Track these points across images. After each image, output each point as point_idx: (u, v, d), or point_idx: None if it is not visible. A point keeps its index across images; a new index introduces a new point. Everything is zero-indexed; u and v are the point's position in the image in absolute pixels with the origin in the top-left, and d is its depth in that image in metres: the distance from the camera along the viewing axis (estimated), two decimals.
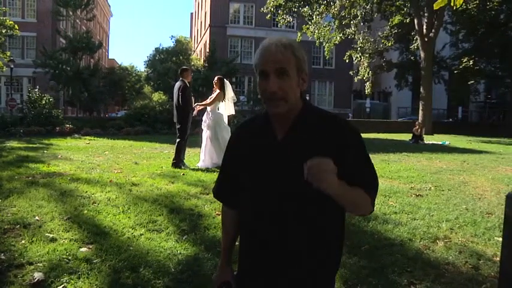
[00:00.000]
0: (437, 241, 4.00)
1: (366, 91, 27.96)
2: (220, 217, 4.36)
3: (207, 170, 7.39)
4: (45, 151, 10.13)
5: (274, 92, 1.34)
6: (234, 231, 1.67)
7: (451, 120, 32.91)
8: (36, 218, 4.15)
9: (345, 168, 1.29)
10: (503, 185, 6.79)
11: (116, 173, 7.03)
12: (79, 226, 3.94)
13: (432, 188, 6.41)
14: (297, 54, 1.38)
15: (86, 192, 5.35)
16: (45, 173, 6.70)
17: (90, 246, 3.49)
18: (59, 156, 8.99)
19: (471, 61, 24.76)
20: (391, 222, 4.47)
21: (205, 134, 8.03)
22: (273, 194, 1.40)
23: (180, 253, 3.44)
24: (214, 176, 6.79)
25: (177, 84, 7.97)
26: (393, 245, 3.83)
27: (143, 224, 4.10)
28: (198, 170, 7.53)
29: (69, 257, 3.22)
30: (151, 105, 20.88)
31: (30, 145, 11.70)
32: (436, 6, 3.86)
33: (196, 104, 8.24)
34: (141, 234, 3.81)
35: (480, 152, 12.72)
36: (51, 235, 3.67)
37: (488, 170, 8.53)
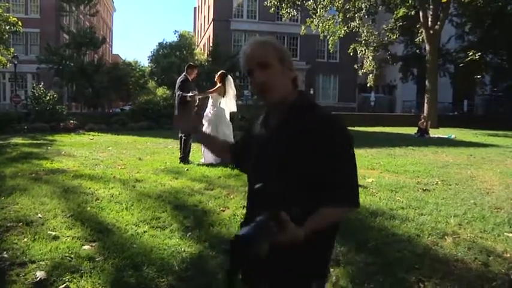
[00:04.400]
0: (446, 237, 3.92)
1: (368, 84, 27.72)
2: (224, 213, 4.32)
3: (211, 165, 7.33)
4: (49, 147, 10.12)
5: (261, 82, 1.44)
6: (219, 146, 1.95)
7: (456, 113, 32.58)
8: (39, 215, 4.11)
9: (317, 166, 1.36)
10: (511, 179, 6.69)
11: (119, 169, 6.99)
12: (82, 223, 3.90)
13: (439, 182, 6.32)
14: (275, 46, 1.48)
15: (89, 188, 5.31)
16: (49, 170, 6.67)
17: (93, 244, 3.46)
18: (63, 153, 8.97)
19: (477, 54, 24.43)
20: (398, 217, 4.40)
21: (205, 128, 7.94)
22: (258, 179, 1.42)
23: (184, 250, 3.39)
24: (219, 171, 6.75)
25: (179, 78, 7.97)
26: (401, 241, 3.76)
27: (147, 220, 4.06)
28: (202, 165, 7.48)
29: (72, 255, 3.18)
30: (155, 100, 20.83)
31: (34, 141, 11.70)
32: None
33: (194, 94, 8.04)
34: (144, 232, 3.77)
35: (487, 145, 12.58)
36: (53, 233, 3.64)
37: (496, 163, 8.42)
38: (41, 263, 3.03)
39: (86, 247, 3.38)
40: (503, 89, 32.00)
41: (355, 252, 3.39)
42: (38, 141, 11.69)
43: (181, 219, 4.15)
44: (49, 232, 3.65)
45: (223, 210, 4.49)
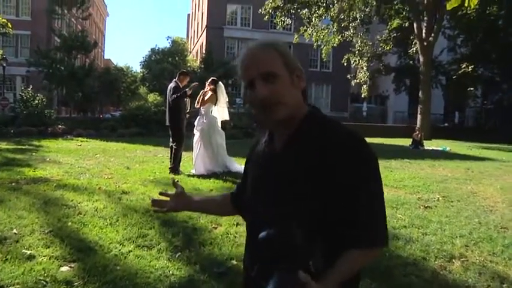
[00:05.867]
0: (453, 260, 3.67)
1: (363, 94, 27.68)
2: (216, 231, 4.01)
3: (202, 177, 7.03)
4: (34, 153, 9.72)
5: (265, 97, 1.13)
6: (217, 206, 1.62)
7: (446, 125, 32.71)
8: (14, 231, 3.76)
9: (336, 197, 1.10)
10: None
11: (105, 178, 6.64)
12: (61, 241, 3.57)
13: (440, 198, 6.09)
14: (280, 50, 1.19)
15: (72, 201, 4.96)
16: (30, 178, 6.30)
17: (72, 265, 3.13)
18: (48, 159, 8.59)
19: (470, 67, 24.56)
20: (401, 238, 4.13)
21: (197, 138, 7.65)
22: (262, 210, 1.21)
23: (173, 274, 3.09)
24: (210, 183, 6.45)
25: (170, 85, 7.69)
26: (407, 265, 3.50)
27: (132, 238, 3.73)
28: (193, 176, 7.18)
29: (47, 279, 2.86)
30: (146, 106, 20.49)
31: (19, 146, 11.29)
32: (449, 7, 3.59)
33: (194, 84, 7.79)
34: (129, 251, 3.45)
35: (482, 159, 12.44)
36: (28, 251, 3.30)
37: (495, 178, 8.24)
38: None
39: (64, 269, 3.06)
40: (494, 102, 32.23)
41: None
42: (23, 147, 11.28)
43: (169, 237, 3.84)
44: (24, 251, 3.31)
45: (215, 228, 4.18)
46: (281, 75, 1.15)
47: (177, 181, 1.60)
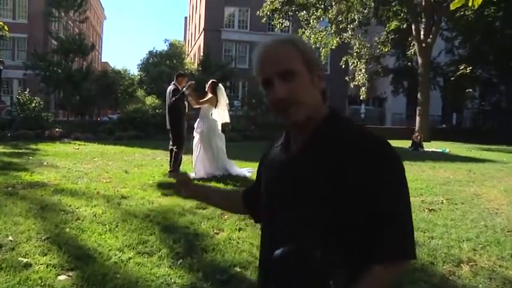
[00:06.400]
0: (462, 265, 3.58)
1: (361, 96, 27.64)
2: (219, 236, 3.91)
3: (202, 180, 6.92)
4: (31, 157, 9.60)
5: (283, 98, 1.06)
6: (229, 202, 1.54)
7: (444, 126, 32.71)
8: (10, 238, 3.65)
9: (358, 206, 1.01)
10: None
11: (104, 182, 6.53)
12: (59, 248, 3.46)
13: (444, 201, 6.00)
14: (300, 47, 1.11)
15: (70, 206, 4.84)
16: (27, 183, 6.17)
17: (70, 274, 3.02)
18: (45, 163, 8.46)
19: (468, 68, 24.57)
20: None
21: (197, 141, 7.55)
22: (278, 214, 1.14)
23: (175, 282, 2.99)
24: None
25: (169, 88, 7.61)
26: (415, 270, 3.39)
27: (132, 245, 3.63)
28: (193, 180, 7.06)
29: None
30: (144, 109, 20.38)
31: (16, 150, 11.16)
32: (452, 7, 3.54)
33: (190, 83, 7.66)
34: (129, 258, 3.34)
35: (483, 160, 12.37)
36: (25, 259, 3.19)
37: (497, 180, 8.16)
38: None
39: (61, 277, 2.95)
40: (491, 104, 32.28)
41: None
42: (20, 150, 11.15)
43: (170, 243, 3.73)
44: (20, 259, 3.19)
45: (217, 233, 4.08)
46: (300, 73, 1.08)
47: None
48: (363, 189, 1.01)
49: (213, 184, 6.52)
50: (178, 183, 1.49)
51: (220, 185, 6.48)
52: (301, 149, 1.12)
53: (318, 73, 1.12)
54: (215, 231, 4.10)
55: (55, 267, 3.09)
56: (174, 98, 7.32)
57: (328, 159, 1.06)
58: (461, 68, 24.91)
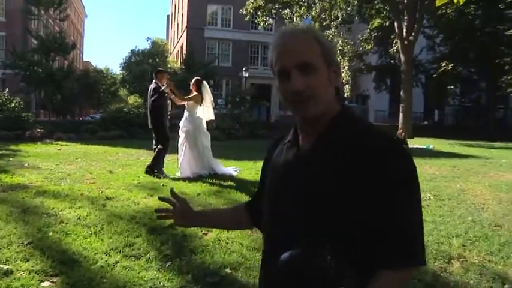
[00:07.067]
0: (452, 261, 3.60)
1: (345, 94, 27.80)
2: (207, 237, 3.83)
3: (188, 180, 6.82)
4: (11, 158, 9.34)
5: (299, 90, 1.02)
6: (227, 217, 1.46)
7: (426, 123, 33.15)
8: None
9: (368, 209, 0.97)
10: (503, 193, 6.48)
11: (88, 183, 6.37)
12: (42, 253, 3.33)
13: (432, 197, 6.03)
14: (321, 40, 1.07)
15: (53, 208, 4.69)
16: (8, 186, 5.97)
17: (55, 280, 2.91)
18: (26, 165, 8.23)
19: (450, 65, 24.92)
20: None
21: (182, 140, 7.45)
22: (284, 214, 1.09)
23: (164, 285, 2.91)
24: (197, 187, 6.25)
25: (150, 86, 7.51)
26: None
27: (119, 248, 3.52)
28: (179, 179, 6.97)
29: None
30: (126, 108, 20.11)
31: None
32: (438, 3, 3.53)
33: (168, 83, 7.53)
34: (116, 262, 3.24)
35: (467, 156, 12.53)
36: (6, 266, 3.06)
37: (481, 175, 8.26)
38: None
39: (45, 284, 2.84)
40: (472, 100, 32.86)
41: None
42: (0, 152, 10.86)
43: (158, 245, 3.63)
44: (0, 266, 3.07)
45: (206, 234, 4.00)
46: (319, 67, 1.05)
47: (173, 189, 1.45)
48: (373, 190, 0.97)
49: (199, 184, 6.44)
50: (173, 211, 1.36)
51: (207, 185, 6.40)
52: (311, 146, 1.09)
53: (334, 69, 1.10)
54: (203, 231, 4.01)
55: (38, 274, 2.98)
56: (153, 99, 7.25)
57: (337, 156, 1.02)
58: (442, 65, 25.23)
